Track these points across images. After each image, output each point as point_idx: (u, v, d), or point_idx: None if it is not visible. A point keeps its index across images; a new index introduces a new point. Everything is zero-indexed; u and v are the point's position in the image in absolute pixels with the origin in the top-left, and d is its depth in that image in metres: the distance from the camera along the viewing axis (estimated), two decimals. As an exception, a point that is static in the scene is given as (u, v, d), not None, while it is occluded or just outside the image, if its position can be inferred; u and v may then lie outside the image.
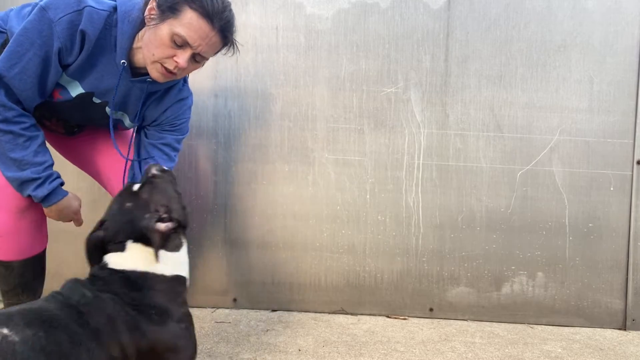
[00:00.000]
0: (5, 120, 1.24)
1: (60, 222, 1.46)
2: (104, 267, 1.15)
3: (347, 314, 2.07)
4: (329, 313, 2.07)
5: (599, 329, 2.02)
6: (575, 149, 2.02)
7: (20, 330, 0.89)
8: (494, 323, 2.04)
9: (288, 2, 2.01)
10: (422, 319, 2.06)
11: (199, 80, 2.03)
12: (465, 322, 2.04)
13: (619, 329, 2.03)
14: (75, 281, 1.11)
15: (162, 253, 1.17)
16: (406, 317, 2.06)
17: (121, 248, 1.17)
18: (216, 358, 1.59)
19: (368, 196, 2.05)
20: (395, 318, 2.05)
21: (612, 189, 2.02)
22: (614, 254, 2.03)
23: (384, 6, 2.00)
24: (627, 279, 2.03)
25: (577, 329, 2.02)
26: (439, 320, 2.05)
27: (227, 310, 2.06)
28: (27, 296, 1.46)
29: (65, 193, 1.37)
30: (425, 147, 2.03)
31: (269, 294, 2.07)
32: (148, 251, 1.16)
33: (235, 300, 2.09)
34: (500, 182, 2.03)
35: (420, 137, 2.03)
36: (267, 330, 1.84)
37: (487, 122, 2.02)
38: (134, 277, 1.14)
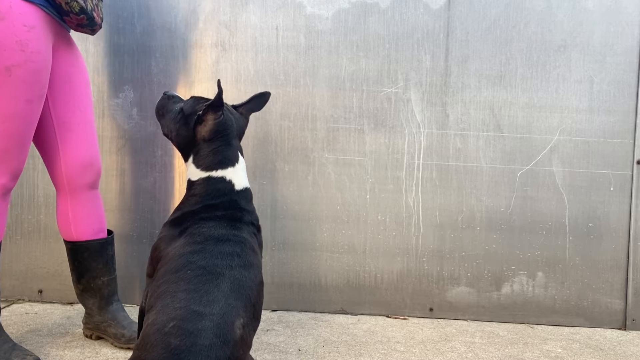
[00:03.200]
0: None
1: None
2: (227, 188, 1.25)
3: (347, 314, 2.07)
4: (329, 313, 2.07)
5: (599, 329, 2.02)
6: (575, 149, 2.02)
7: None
8: (494, 323, 2.04)
9: (288, 2, 2.01)
10: (422, 319, 2.06)
11: (198, 80, 2.03)
12: (465, 322, 2.04)
13: (619, 329, 2.03)
14: (214, 218, 1.20)
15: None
16: (406, 317, 2.06)
17: (235, 159, 1.28)
18: (216, 358, 1.59)
19: (368, 196, 2.05)
20: (395, 318, 2.05)
21: (612, 189, 2.02)
22: (614, 254, 2.03)
23: (384, 6, 2.00)
24: (627, 279, 2.03)
25: (577, 329, 2.02)
26: (439, 320, 2.05)
27: (227, 310, 2.06)
28: None
29: None
30: (425, 147, 2.04)
31: (269, 294, 2.07)
32: (243, 169, 1.31)
33: (235, 300, 2.08)
34: (500, 182, 2.03)
35: (420, 137, 2.03)
36: (267, 330, 1.84)
37: (487, 122, 2.02)
38: (249, 195, 1.30)
